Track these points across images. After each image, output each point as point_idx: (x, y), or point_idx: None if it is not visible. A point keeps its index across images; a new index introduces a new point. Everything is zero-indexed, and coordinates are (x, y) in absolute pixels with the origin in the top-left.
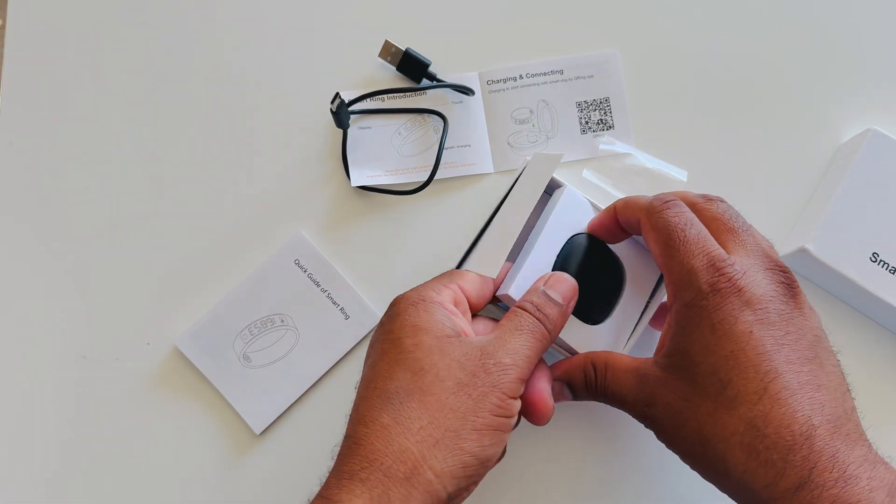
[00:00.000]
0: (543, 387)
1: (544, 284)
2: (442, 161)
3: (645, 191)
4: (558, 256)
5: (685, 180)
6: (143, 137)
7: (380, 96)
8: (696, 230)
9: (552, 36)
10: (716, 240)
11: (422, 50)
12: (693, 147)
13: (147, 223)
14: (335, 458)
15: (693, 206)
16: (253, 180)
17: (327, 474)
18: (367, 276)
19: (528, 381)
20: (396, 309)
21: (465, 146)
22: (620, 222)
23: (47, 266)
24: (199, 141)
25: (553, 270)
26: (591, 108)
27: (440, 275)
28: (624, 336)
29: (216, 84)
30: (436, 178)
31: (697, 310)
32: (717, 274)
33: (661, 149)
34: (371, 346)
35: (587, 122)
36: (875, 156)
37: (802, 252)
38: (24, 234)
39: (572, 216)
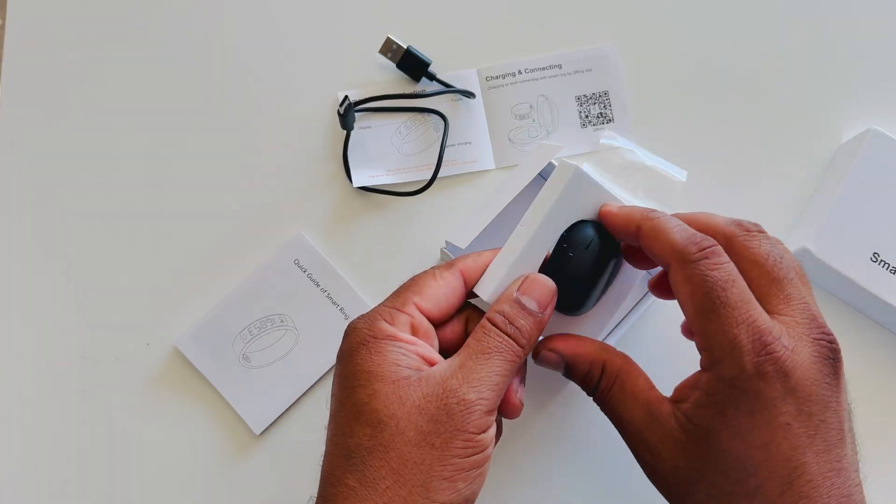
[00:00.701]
0: (512, 384)
1: (518, 289)
2: (443, 159)
3: (644, 187)
4: (554, 248)
5: (684, 180)
6: (143, 137)
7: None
8: (738, 290)
9: (550, 31)
10: (756, 293)
11: (419, 46)
12: (692, 147)
13: (147, 223)
14: None
15: (729, 241)
16: (253, 180)
17: None
18: (368, 275)
19: None
20: (349, 345)
21: (466, 143)
22: (642, 246)
23: (47, 266)
24: (198, 141)
25: (548, 261)
26: (590, 101)
27: (397, 290)
28: (602, 327)
29: (215, 84)
30: (437, 176)
31: (737, 392)
32: (763, 353)
33: (660, 143)
34: (333, 387)
35: (587, 116)
36: (875, 156)
37: (803, 252)
38: (24, 234)
39: (580, 202)
